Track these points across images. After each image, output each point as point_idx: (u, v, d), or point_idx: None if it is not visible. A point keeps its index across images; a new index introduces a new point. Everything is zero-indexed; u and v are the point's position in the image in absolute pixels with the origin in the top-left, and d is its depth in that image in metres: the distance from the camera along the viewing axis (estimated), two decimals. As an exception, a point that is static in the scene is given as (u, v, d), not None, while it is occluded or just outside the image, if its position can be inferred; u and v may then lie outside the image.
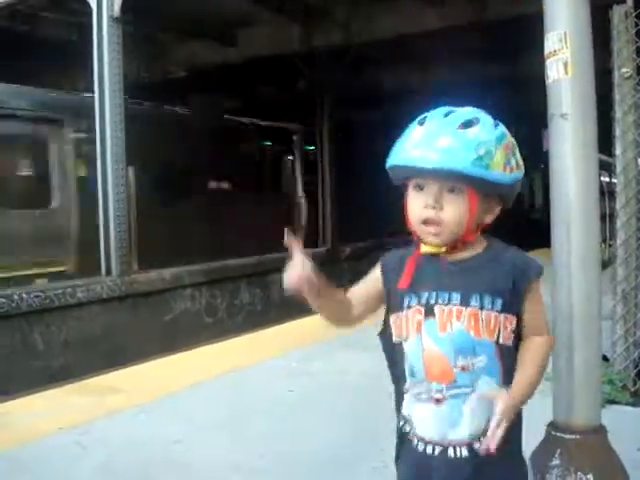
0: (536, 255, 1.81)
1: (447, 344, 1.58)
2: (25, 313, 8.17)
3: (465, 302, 1.59)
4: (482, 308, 1.58)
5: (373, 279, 1.77)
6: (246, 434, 3.88)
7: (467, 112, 1.62)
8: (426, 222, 1.60)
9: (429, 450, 1.63)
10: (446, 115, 1.60)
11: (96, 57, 9.07)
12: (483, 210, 1.63)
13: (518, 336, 1.63)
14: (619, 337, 4.29)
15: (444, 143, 1.54)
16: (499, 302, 1.59)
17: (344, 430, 3.87)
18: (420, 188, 1.61)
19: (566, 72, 2.25)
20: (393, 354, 1.71)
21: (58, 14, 11.39)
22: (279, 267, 1.60)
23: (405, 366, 1.66)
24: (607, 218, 5.76)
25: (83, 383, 5.18)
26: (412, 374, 1.64)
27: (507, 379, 1.60)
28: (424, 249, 1.65)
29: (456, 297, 1.60)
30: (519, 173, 1.62)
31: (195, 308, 10.65)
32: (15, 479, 3.38)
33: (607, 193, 6.45)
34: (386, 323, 1.72)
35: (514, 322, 1.60)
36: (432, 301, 1.62)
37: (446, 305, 1.60)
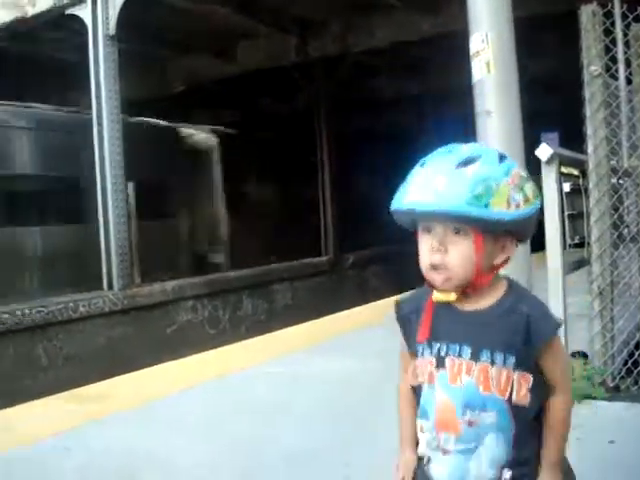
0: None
1: (457, 396, 1.55)
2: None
3: (475, 357, 1.54)
4: (493, 364, 1.53)
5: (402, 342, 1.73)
6: (223, 437, 3.96)
7: (468, 149, 1.55)
8: (433, 267, 1.54)
9: None
10: (447, 154, 1.54)
11: (93, 75, 9.24)
12: (493, 250, 1.55)
13: (541, 393, 1.57)
14: (597, 333, 4.31)
15: (439, 184, 1.48)
16: (512, 359, 1.53)
17: (318, 434, 3.92)
18: (427, 231, 1.55)
19: (488, 71, 2.31)
20: (416, 391, 1.69)
21: (58, 33, 11.55)
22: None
23: (420, 408, 1.64)
24: (585, 216, 5.79)
25: (77, 391, 5.28)
26: (425, 417, 1.62)
27: (520, 438, 1.55)
28: (435, 297, 1.59)
29: (467, 351, 1.55)
30: (529, 207, 1.52)
31: (197, 320, 10.76)
32: (8, 477, 3.58)
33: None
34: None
35: (530, 381, 1.53)
36: (443, 353, 1.58)
37: (457, 358, 1.56)
